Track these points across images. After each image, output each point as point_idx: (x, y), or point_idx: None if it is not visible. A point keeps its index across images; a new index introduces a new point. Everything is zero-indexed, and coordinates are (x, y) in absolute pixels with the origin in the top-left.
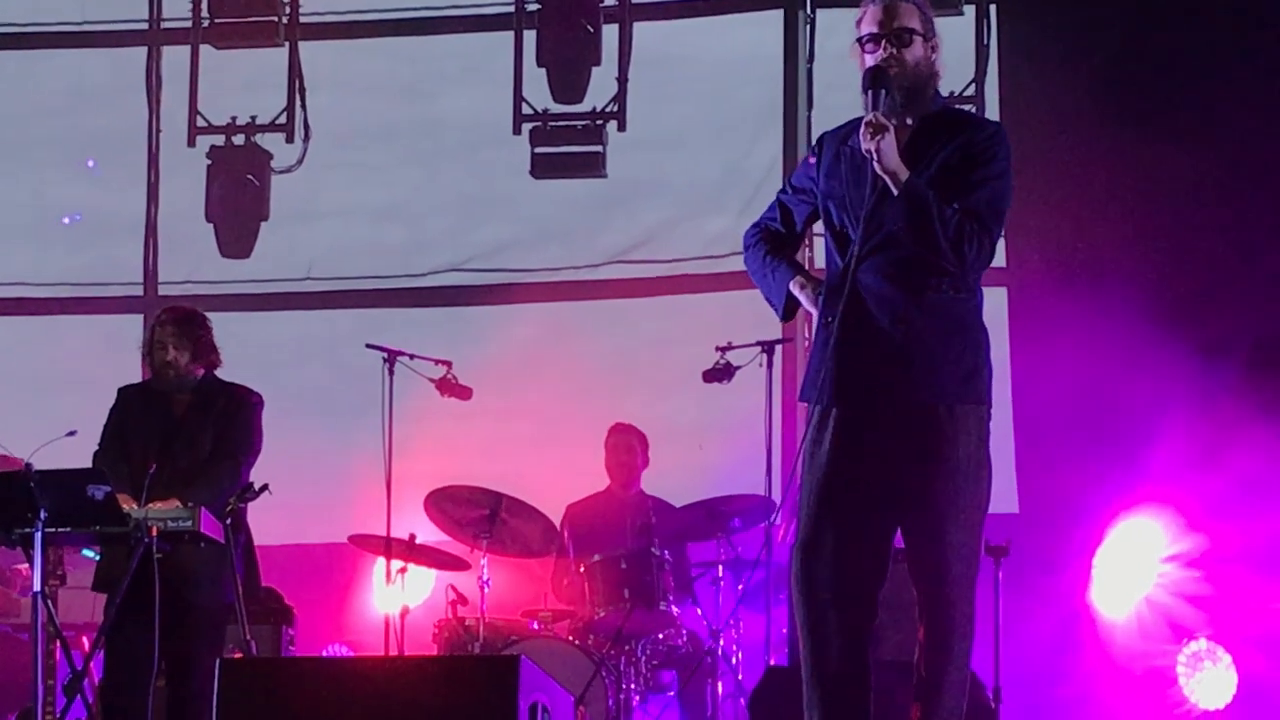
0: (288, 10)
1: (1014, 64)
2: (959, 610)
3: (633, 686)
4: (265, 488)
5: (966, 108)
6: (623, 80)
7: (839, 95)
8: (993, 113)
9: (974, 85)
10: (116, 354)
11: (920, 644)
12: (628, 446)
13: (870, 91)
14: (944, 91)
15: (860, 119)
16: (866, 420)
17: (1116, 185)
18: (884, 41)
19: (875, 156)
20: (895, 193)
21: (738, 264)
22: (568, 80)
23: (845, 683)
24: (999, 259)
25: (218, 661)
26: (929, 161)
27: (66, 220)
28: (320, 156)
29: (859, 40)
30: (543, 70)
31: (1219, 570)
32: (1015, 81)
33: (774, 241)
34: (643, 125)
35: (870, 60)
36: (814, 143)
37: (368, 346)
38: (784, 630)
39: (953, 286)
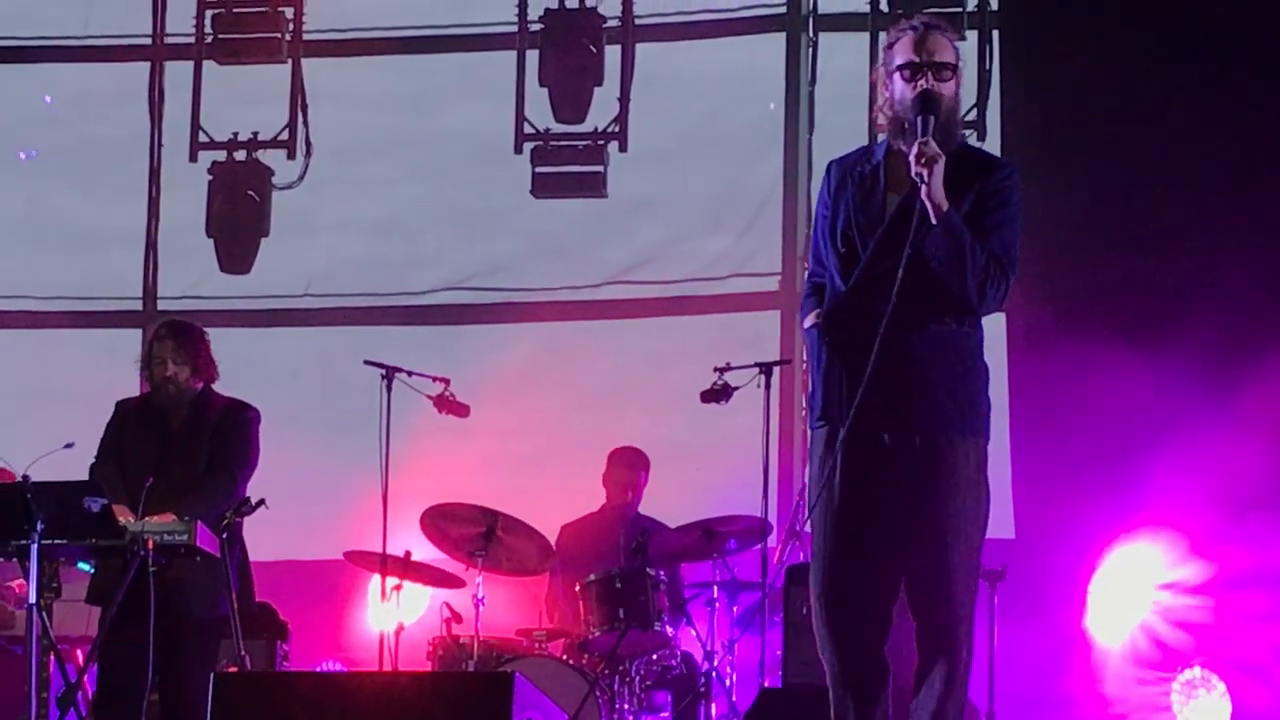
0: (291, 27)
1: (1016, 90)
2: (960, 634)
3: (626, 707)
4: (262, 502)
5: (967, 133)
6: (624, 101)
7: (840, 117)
8: (994, 139)
9: (975, 111)
10: (114, 367)
11: (918, 668)
12: (630, 466)
13: (920, 117)
14: None
15: (866, 147)
16: (870, 444)
17: (1117, 211)
18: (925, 74)
19: (924, 181)
20: (934, 222)
21: (737, 285)
22: (569, 100)
23: (873, 681)
24: None
25: (211, 675)
26: (953, 200)
27: (23, 156)
28: (320, 171)
29: (897, 67)
30: (545, 90)
31: (1214, 598)
32: (1017, 108)
33: (819, 291)
34: (644, 144)
35: (907, 89)
36: (824, 171)
37: (366, 363)
38: (778, 652)
39: (956, 320)
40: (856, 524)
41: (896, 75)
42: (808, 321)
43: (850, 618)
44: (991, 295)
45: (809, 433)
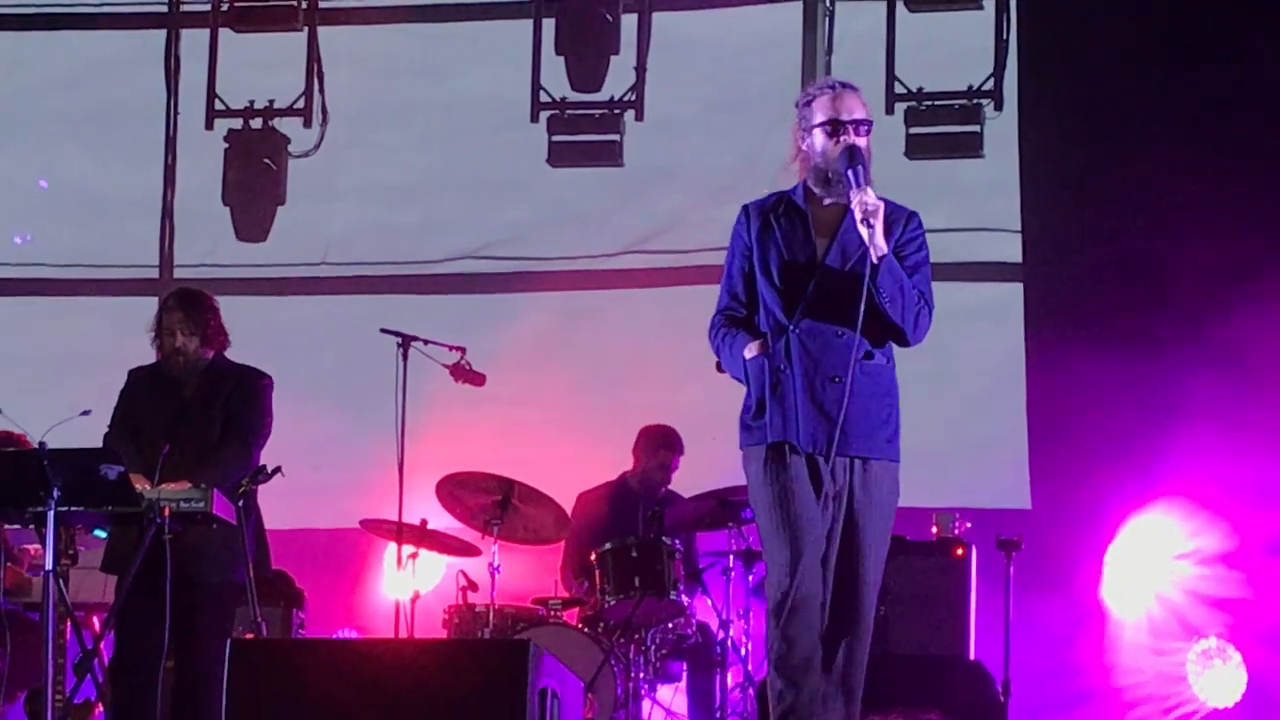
0: None
1: (1033, 59)
2: (868, 614)
3: (642, 675)
4: (278, 470)
5: (984, 103)
6: (641, 70)
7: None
8: (1011, 107)
9: (992, 80)
10: (130, 335)
11: (828, 630)
12: (669, 447)
13: (852, 170)
14: (962, 85)
15: (780, 193)
16: (822, 464)
17: (1134, 181)
18: (846, 129)
19: (870, 227)
20: (875, 262)
21: None
22: (586, 69)
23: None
24: (1015, 255)
25: (228, 642)
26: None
27: (19, 240)
28: (336, 139)
29: (819, 123)
30: (561, 58)
31: (1231, 568)
32: (1034, 76)
33: (736, 324)
34: (660, 113)
35: (829, 143)
36: (740, 214)
37: (382, 331)
38: None
39: (884, 355)
40: (819, 532)
41: (817, 130)
42: (749, 352)
43: (813, 616)
44: (923, 325)
45: (745, 450)
